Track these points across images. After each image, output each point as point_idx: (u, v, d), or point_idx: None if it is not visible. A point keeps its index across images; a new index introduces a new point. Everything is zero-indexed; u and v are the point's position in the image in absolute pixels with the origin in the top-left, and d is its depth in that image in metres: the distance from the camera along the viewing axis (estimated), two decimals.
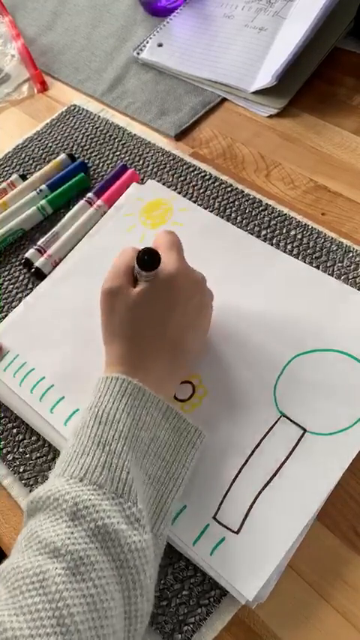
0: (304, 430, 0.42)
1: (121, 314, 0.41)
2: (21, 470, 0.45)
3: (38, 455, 0.46)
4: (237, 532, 0.39)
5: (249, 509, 0.39)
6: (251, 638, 0.37)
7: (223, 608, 0.38)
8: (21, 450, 0.46)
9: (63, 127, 0.69)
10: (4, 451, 0.46)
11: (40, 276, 0.55)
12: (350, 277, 0.50)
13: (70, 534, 0.30)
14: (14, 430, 0.47)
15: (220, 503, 0.40)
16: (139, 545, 0.31)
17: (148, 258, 0.39)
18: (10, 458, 0.46)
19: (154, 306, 0.40)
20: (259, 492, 0.40)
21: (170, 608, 0.38)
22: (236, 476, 0.41)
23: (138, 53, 0.75)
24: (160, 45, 0.74)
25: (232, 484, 0.41)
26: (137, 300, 0.40)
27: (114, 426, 0.36)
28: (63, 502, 0.32)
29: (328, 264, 0.51)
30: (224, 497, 0.40)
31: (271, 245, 0.53)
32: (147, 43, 0.75)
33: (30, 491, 0.44)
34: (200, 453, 0.40)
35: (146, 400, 0.38)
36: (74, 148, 0.67)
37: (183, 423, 0.39)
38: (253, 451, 0.42)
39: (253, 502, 0.40)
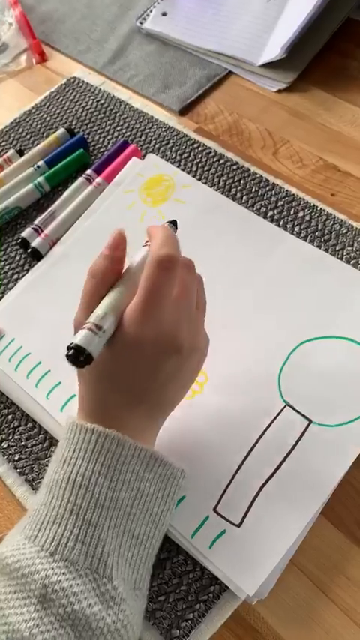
0: (310, 421, 0.40)
1: (90, 368, 0.33)
2: (16, 458, 0.44)
3: (34, 442, 0.44)
4: (238, 525, 0.37)
5: (252, 502, 0.38)
6: (251, 635, 0.36)
7: (223, 604, 0.37)
8: (16, 437, 0.45)
9: (62, 100, 0.66)
10: None
11: (36, 256, 0.53)
12: None
13: (38, 620, 0.29)
14: (9, 417, 0.46)
15: (222, 495, 0.39)
16: (112, 626, 0.30)
17: (75, 356, 0.31)
18: (5, 445, 0.44)
19: (117, 371, 0.34)
20: (263, 485, 0.39)
21: (168, 603, 0.37)
22: (239, 467, 0.39)
23: (141, 23, 0.71)
24: (164, 14, 0.71)
25: (234, 475, 0.39)
26: (98, 363, 0.32)
27: (89, 492, 0.32)
28: (32, 581, 0.30)
29: (337, 248, 0.49)
30: (225, 488, 0.39)
31: (278, 226, 0.51)
32: (150, 12, 0.72)
33: (25, 479, 0.43)
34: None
35: (125, 454, 0.33)
36: (73, 123, 0.64)
37: (169, 470, 0.35)
38: (256, 441, 0.40)
39: (256, 495, 0.38)
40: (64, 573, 0.30)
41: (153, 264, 0.33)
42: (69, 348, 0.31)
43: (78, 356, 0.30)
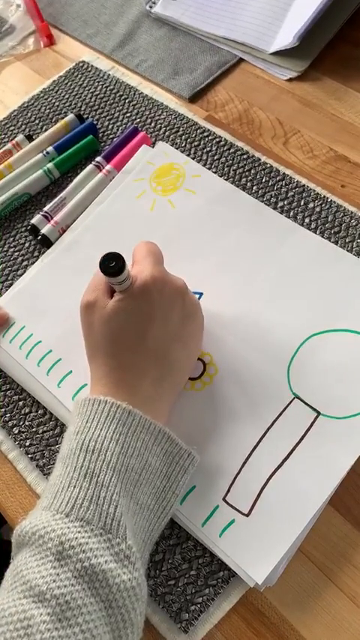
0: (318, 413, 0.41)
1: (99, 328, 0.39)
2: (27, 444, 0.44)
3: (45, 429, 0.45)
4: (247, 515, 0.38)
5: (260, 492, 0.39)
6: (259, 620, 0.37)
7: (231, 589, 0.38)
8: (27, 423, 0.45)
9: (71, 84, 0.66)
10: (10, 424, 0.45)
11: (46, 243, 0.54)
12: None
13: (55, 576, 0.29)
14: (20, 403, 0.46)
15: (231, 485, 0.39)
16: (128, 583, 0.30)
17: (109, 263, 0.36)
18: (16, 431, 0.45)
19: (131, 318, 0.38)
20: (271, 475, 0.39)
21: (178, 587, 0.38)
22: (247, 457, 0.40)
23: (150, 7, 0.71)
24: None
25: (242, 465, 0.40)
26: (111, 312, 0.38)
27: (102, 456, 0.34)
28: (48, 540, 0.30)
29: (347, 240, 0.49)
30: (235, 478, 0.40)
31: (288, 217, 0.51)
32: None
33: (36, 465, 0.44)
34: (191, 477, 0.38)
35: (136, 424, 0.35)
36: (82, 108, 0.64)
37: (175, 447, 0.37)
38: (265, 433, 0.41)
39: (265, 484, 0.39)
40: (79, 532, 0.31)
41: (144, 241, 0.42)
42: (105, 259, 0.36)
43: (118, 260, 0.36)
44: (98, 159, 0.58)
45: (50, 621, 0.28)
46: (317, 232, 0.50)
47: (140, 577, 0.31)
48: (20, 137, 0.61)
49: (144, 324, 0.38)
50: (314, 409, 0.41)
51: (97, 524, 0.31)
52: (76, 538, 0.30)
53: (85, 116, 0.63)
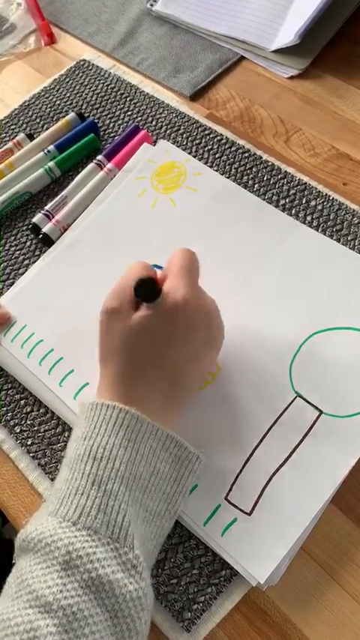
0: (321, 412, 0.41)
1: (117, 337, 0.38)
2: (29, 442, 0.44)
3: (46, 428, 0.45)
4: (249, 514, 0.38)
5: (262, 491, 0.39)
6: (261, 619, 0.37)
7: (234, 588, 0.38)
8: (29, 422, 0.45)
9: (72, 83, 0.66)
10: (11, 423, 0.45)
11: (48, 242, 0.53)
12: None
13: (62, 586, 0.29)
14: (22, 402, 0.46)
15: (233, 484, 0.39)
16: (134, 594, 0.30)
17: (144, 290, 0.35)
18: (18, 430, 0.45)
19: (152, 336, 0.37)
20: (273, 474, 0.39)
21: (180, 586, 0.38)
22: (249, 456, 0.40)
23: (151, 5, 0.70)
24: None
25: (244, 465, 0.40)
26: (135, 326, 0.37)
27: (110, 464, 0.33)
28: (55, 549, 0.30)
29: (349, 238, 0.49)
30: (236, 477, 0.40)
31: (290, 215, 0.51)
32: None
33: (38, 464, 0.44)
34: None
35: (144, 431, 0.35)
36: (83, 107, 0.64)
37: (184, 451, 0.37)
38: (266, 432, 0.41)
39: (267, 483, 0.39)
40: (87, 541, 0.31)
41: (183, 249, 0.39)
42: (140, 284, 0.35)
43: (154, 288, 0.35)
44: (99, 157, 0.58)
45: (57, 632, 0.28)
46: (319, 230, 0.50)
47: (147, 587, 0.31)
48: (21, 136, 0.61)
49: (164, 344, 0.37)
50: (317, 408, 0.41)
51: (104, 534, 0.31)
52: (84, 547, 0.30)
53: (86, 115, 0.63)
